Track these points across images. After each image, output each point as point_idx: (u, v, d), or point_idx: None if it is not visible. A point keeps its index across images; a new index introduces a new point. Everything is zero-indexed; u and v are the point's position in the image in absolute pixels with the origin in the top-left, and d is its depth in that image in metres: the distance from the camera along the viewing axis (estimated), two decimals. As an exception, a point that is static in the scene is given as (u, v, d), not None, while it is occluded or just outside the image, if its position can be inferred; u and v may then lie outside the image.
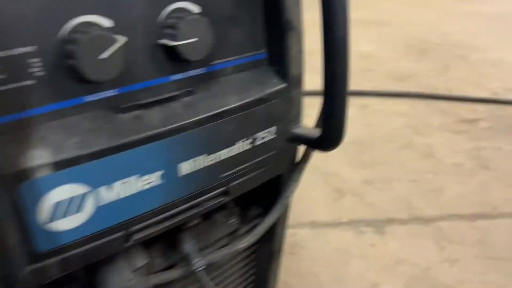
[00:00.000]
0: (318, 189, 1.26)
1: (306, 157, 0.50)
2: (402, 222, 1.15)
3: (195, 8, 0.39)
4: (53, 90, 0.33)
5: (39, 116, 0.33)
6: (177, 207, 0.41)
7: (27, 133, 0.32)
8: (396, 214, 1.17)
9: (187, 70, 0.40)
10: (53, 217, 0.33)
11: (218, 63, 0.42)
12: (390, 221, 1.15)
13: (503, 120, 1.72)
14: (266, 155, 0.46)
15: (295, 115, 0.47)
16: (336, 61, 0.39)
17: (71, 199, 0.34)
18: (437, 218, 1.16)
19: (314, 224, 1.13)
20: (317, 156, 1.36)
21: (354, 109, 1.68)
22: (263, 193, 0.53)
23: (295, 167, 0.51)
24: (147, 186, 0.37)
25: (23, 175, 0.31)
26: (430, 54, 2.20)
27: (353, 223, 1.13)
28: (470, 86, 1.94)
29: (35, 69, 0.32)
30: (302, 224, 1.12)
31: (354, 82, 1.84)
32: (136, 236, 0.39)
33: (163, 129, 0.36)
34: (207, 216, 0.50)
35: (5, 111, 0.31)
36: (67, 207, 0.34)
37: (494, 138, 1.59)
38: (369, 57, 2.09)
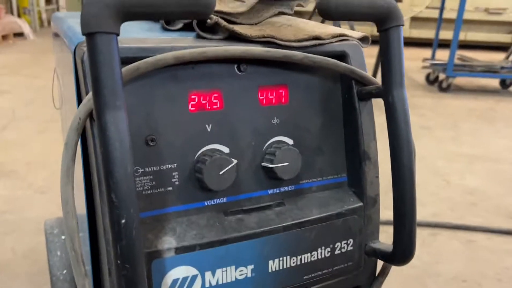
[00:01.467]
0: (415, 324, 1.19)
1: (384, 270, 0.56)
2: None
3: (289, 141, 0.51)
4: (183, 196, 0.46)
5: (172, 213, 0.46)
6: (264, 300, 0.49)
7: (162, 225, 0.45)
8: None
9: (280, 186, 0.51)
10: (170, 291, 0.44)
11: (306, 182, 0.53)
12: None
13: None
14: (344, 265, 0.53)
15: (372, 231, 0.54)
16: (403, 185, 0.47)
17: (185, 279, 0.44)
18: None
19: None
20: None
21: (458, 243, 1.61)
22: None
23: (374, 280, 0.56)
24: (242, 277, 0.47)
25: (156, 254, 0.42)
26: (547, 192, 2.07)
27: None
28: None
29: (174, 179, 0.46)
30: None
31: (459, 215, 1.79)
32: (229, 320, 0.47)
33: (258, 230, 0.47)
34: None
35: (151, 208, 0.45)
36: (181, 285, 0.44)
37: None
38: (475, 192, 2.04)
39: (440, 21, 4.60)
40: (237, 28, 0.47)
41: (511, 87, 4.25)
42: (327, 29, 0.54)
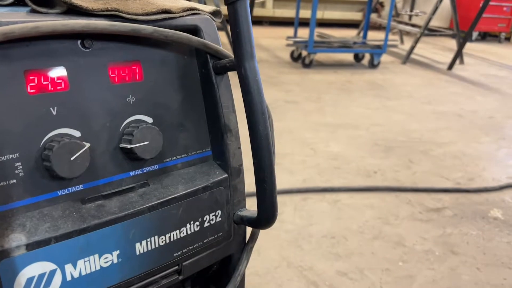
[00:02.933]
0: (294, 284, 1.29)
1: (253, 236, 0.58)
2: (376, 310, 1.17)
3: (148, 119, 0.50)
4: (31, 187, 0.42)
5: (19, 208, 0.41)
6: (134, 284, 0.47)
7: (8, 222, 0.40)
8: (370, 303, 1.20)
9: (143, 167, 0.50)
10: (25, 292, 0.40)
11: (170, 160, 0.52)
12: (364, 310, 1.17)
13: (467, 207, 1.82)
14: (215, 236, 0.54)
15: (238, 200, 0.56)
16: (261, 153, 0.49)
17: (41, 276, 0.41)
18: (409, 304, 1.19)
19: (290, 319, 1.14)
20: (292, 251, 1.41)
21: (326, 204, 1.77)
22: (218, 274, 0.59)
23: (245, 247, 0.58)
24: (107, 264, 0.45)
25: (4, 253, 0.38)
26: (395, 151, 2.37)
27: (328, 315, 1.15)
28: (434, 178, 2.07)
29: (18, 171, 0.41)
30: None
31: (326, 179, 1.96)
32: (98, 311, 0.45)
33: (120, 214, 0.45)
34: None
35: (-8, 205, 0.40)
36: (37, 283, 0.40)
37: (460, 225, 1.67)
38: (338, 157, 2.24)
39: (299, 1, 4.87)
40: (77, 1, 0.44)
41: (363, 60, 4.72)
42: (178, 3, 0.53)
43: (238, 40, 0.47)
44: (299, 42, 4.35)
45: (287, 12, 6.57)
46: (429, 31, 5.25)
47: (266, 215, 0.51)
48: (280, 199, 1.76)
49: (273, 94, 3.29)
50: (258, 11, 6.43)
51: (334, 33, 5.44)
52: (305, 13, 5.20)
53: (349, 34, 5.93)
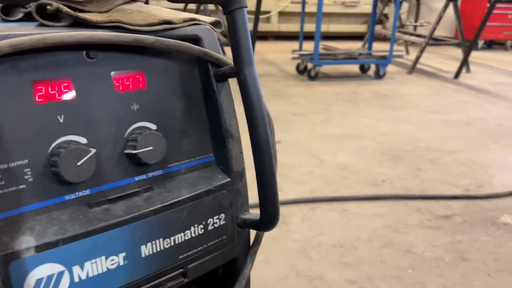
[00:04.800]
0: (302, 293, 1.28)
1: (257, 240, 0.59)
2: (386, 318, 1.16)
3: (152, 126, 0.52)
4: (40, 192, 0.44)
5: (28, 212, 0.43)
6: (140, 286, 0.49)
7: (18, 225, 0.42)
8: (380, 311, 1.19)
9: (148, 172, 0.51)
10: (34, 293, 0.41)
11: (174, 165, 0.54)
12: (374, 318, 1.16)
13: (477, 214, 1.80)
14: (219, 239, 0.55)
15: (242, 203, 0.57)
16: (262, 156, 0.51)
17: (50, 277, 0.42)
18: (420, 311, 1.18)
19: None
20: (301, 261, 1.41)
21: (334, 213, 1.77)
22: (224, 277, 0.60)
23: (249, 251, 0.59)
24: (114, 266, 0.46)
25: (14, 255, 0.40)
26: (403, 160, 2.36)
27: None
28: (443, 186, 2.06)
29: (27, 176, 0.43)
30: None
31: (334, 189, 1.96)
32: (105, 313, 0.46)
33: (126, 217, 0.46)
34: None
35: (3, 209, 0.41)
36: (46, 284, 0.42)
37: (470, 231, 1.66)
38: (346, 167, 2.24)
39: (303, 15, 4.93)
40: (82, 14, 0.46)
41: (368, 71, 4.74)
42: (179, 14, 0.55)
43: (237, 48, 0.49)
44: (305, 55, 4.39)
45: (292, 27, 6.63)
46: (434, 41, 5.26)
47: (269, 217, 0.53)
48: (288, 209, 1.77)
49: (279, 107, 3.31)
50: (263, 27, 6.50)
51: (339, 46, 5.48)
52: (310, 27, 5.25)
53: (354, 46, 5.96)
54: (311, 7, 5.69)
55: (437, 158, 2.41)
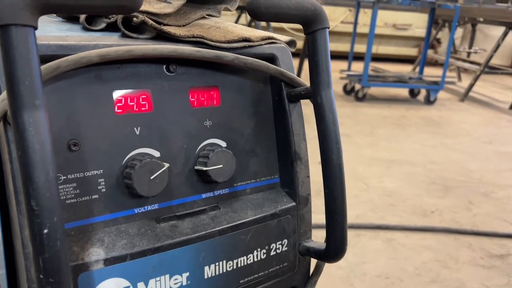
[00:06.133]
0: (345, 323, 1.23)
1: (317, 269, 0.57)
2: None
3: (222, 143, 0.51)
4: (111, 204, 0.43)
5: (99, 223, 0.43)
6: (200, 308, 0.47)
7: (88, 236, 0.41)
8: None
9: (215, 190, 0.50)
10: (99, 307, 0.40)
11: (240, 185, 0.52)
12: None
13: (535, 255, 1.69)
14: (280, 266, 0.53)
15: (305, 230, 0.55)
16: (334, 183, 0.49)
17: (115, 292, 0.41)
18: None
19: None
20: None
21: (380, 242, 1.70)
22: (280, 306, 0.57)
23: (309, 280, 0.57)
24: (177, 286, 0.45)
25: (83, 267, 0.39)
26: (454, 191, 2.26)
27: None
28: (497, 222, 1.95)
29: (100, 187, 0.43)
30: None
31: (379, 216, 1.89)
32: (164, 333, 0.45)
33: (192, 235, 0.45)
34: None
35: (75, 218, 0.41)
36: (111, 298, 0.41)
37: (527, 274, 1.55)
38: (393, 193, 2.17)
39: (354, 35, 4.89)
40: (166, 28, 0.46)
41: (418, 96, 4.62)
42: (256, 32, 0.55)
43: (316, 69, 0.48)
44: (353, 76, 4.33)
45: (341, 46, 6.59)
46: (490, 69, 5.07)
47: (335, 248, 0.50)
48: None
49: (325, 127, 3.27)
50: (311, 45, 6.48)
51: (388, 68, 5.39)
52: (359, 48, 5.20)
53: (404, 69, 5.84)
54: (361, 28, 5.63)
55: (491, 191, 2.29)
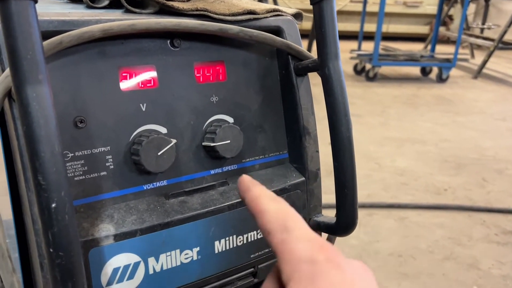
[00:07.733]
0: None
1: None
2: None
3: (230, 119, 0.50)
4: (120, 180, 0.43)
5: (108, 200, 0.43)
6: (211, 283, 0.47)
7: (98, 212, 0.42)
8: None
9: (223, 166, 0.50)
10: (111, 282, 0.41)
11: (248, 161, 0.52)
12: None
13: (550, 231, 1.67)
14: (291, 241, 0.53)
15: (315, 205, 0.55)
16: (343, 156, 0.48)
17: (126, 267, 0.41)
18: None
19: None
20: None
21: (392, 221, 1.70)
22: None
23: (319, 255, 0.57)
24: (187, 260, 0.45)
25: (93, 242, 0.39)
26: (467, 169, 2.23)
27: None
28: (511, 199, 1.92)
29: (108, 163, 0.43)
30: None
31: (392, 195, 1.89)
32: (176, 307, 0.45)
33: (202, 210, 0.45)
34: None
35: (84, 195, 0.41)
36: (122, 274, 0.41)
37: (542, 250, 1.54)
38: (405, 172, 2.15)
39: (364, 14, 4.81)
40: (169, 1, 0.45)
41: (430, 74, 4.55)
42: (261, 5, 0.53)
43: (323, 40, 0.47)
44: (363, 55, 4.27)
45: (350, 26, 6.49)
46: (504, 44, 4.96)
47: (346, 222, 0.50)
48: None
49: (335, 107, 3.24)
50: (320, 25, 6.39)
51: (399, 47, 5.30)
52: (369, 27, 5.11)
53: (415, 47, 5.74)
54: (371, 7, 5.53)
55: (505, 168, 2.26)
